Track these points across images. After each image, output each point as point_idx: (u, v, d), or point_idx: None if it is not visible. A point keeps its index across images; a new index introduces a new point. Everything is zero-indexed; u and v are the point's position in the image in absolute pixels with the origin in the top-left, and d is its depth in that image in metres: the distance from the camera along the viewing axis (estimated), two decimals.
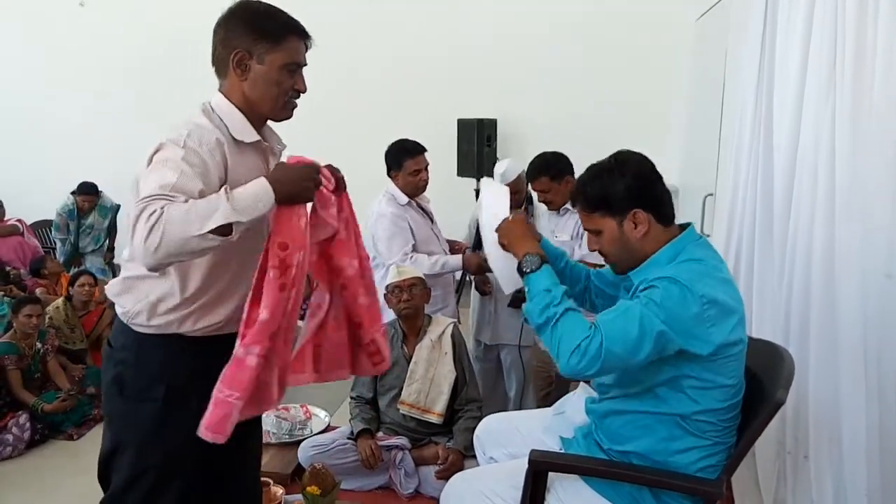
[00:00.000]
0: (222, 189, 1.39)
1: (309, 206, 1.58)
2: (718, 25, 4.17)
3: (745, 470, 2.51)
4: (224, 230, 1.34)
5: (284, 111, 1.63)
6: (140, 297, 1.59)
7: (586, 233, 1.79)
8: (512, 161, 3.07)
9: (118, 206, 5.68)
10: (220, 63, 1.61)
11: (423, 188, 3.13)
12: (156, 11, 6.53)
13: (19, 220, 5.78)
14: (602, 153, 1.76)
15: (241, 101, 1.59)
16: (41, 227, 6.21)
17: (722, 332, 1.55)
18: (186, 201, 1.35)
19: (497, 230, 1.87)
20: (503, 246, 1.85)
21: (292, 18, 1.61)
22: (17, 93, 6.89)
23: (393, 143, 3.11)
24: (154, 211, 1.31)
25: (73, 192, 5.53)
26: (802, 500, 2.26)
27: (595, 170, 1.73)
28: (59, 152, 6.70)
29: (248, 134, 1.59)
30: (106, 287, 1.72)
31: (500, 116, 5.74)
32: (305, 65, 1.63)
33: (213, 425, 1.52)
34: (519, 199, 3.09)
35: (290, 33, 1.58)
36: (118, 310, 1.65)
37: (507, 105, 5.87)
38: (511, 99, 5.93)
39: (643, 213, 1.66)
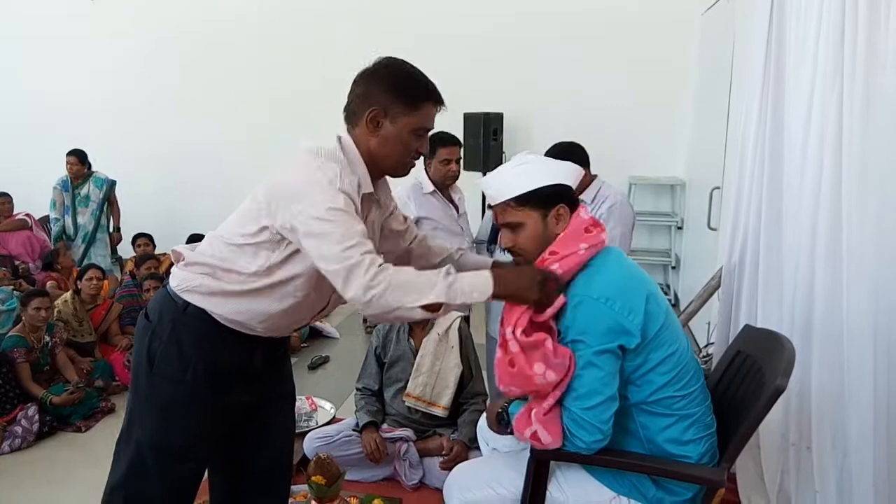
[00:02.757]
0: (445, 268, 1.45)
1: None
2: (725, 19, 4.16)
3: (749, 461, 2.51)
4: (433, 307, 1.40)
5: (403, 170, 1.66)
6: (208, 287, 1.61)
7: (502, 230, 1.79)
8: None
9: (114, 182, 5.67)
10: (353, 115, 1.63)
11: (453, 179, 3.17)
12: (162, 7, 6.55)
13: (28, 215, 5.82)
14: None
15: (366, 152, 1.61)
16: (49, 222, 6.24)
17: (637, 314, 1.59)
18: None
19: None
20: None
21: (431, 83, 1.62)
22: (24, 91, 6.92)
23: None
24: (378, 270, 1.39)
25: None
26: (806, 492, 2.26)
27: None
28: (67, 149, 6.74)
29: (368, 185, 1.62)
30: (176, 250, 1.69)
31: (507, 110, 5.72)
32: (433, 129, 1.66)
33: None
34: None
35: (428, 99, 1.60)
36: (172, 281, 1.66)
37: (513, 99, 5.85)
38: (517, 92, 5.91)
39: (565, 207, 1.72)
